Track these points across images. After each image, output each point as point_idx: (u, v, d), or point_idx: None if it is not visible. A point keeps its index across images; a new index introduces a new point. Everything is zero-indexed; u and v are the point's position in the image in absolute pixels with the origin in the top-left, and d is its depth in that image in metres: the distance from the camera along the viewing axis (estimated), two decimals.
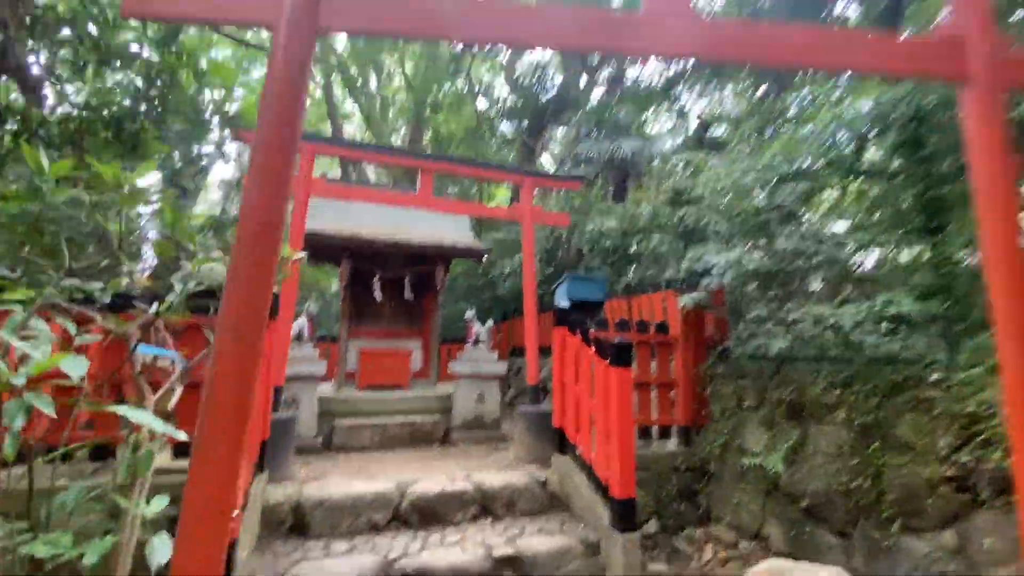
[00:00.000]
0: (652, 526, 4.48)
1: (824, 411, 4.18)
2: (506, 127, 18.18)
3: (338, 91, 19.51)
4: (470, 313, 7.13)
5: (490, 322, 7.14)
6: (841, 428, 4.05)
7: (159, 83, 7.21)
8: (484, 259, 14.16)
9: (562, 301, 4.93)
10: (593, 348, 4.12)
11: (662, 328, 5.34)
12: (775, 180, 4.59)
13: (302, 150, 4.97)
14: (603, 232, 8.29)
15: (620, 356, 3.71)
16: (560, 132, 17.73)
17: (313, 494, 3.84)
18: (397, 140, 21.11)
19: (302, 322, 6.12)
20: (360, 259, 7.04)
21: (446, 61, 17.21)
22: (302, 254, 3.16)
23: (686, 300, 4.50)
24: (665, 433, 5.23)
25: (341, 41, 19.42)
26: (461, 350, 7.07)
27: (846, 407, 4.06)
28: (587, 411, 4.20)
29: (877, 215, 5.13)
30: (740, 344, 4.73)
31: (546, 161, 17.96)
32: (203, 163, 13.89)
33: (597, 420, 4.01)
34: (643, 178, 10.89)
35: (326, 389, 6.99)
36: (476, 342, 6.98)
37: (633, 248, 8.08)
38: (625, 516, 3.57)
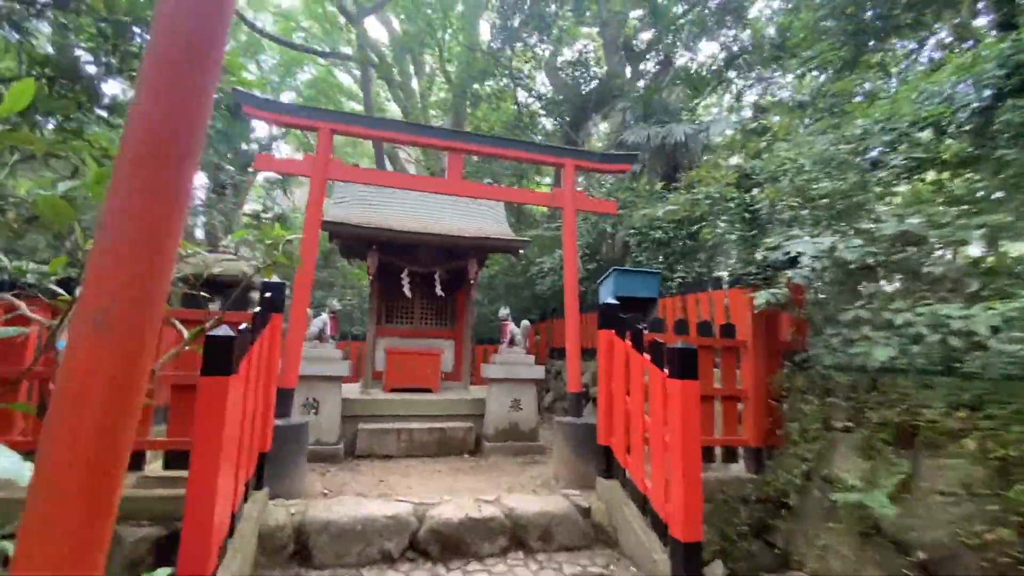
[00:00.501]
0: (718, 569, 3.72)
1: (945, 438, 3.32)
2: (546, 121, 17.52)
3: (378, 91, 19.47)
4: (504, 311, 6.53)
5: (526, 322, 6.51)
6: (971, 461, 3.18)
7: None
8: (521, 253, 13.62)
9: (607, 298, 4.25)
10: (648, 355, 3.42)
11: (728, 331, 4.55)
12: (875, 150, 3.73)
13: (317, 129, 4.51)
14: (653, 223, 7.48)
15: (685, 365, 3.00)
16: (603, 126, 16.89)
17: (319, 516, 3.33)
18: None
19: (324, 319, 5.70)
20: (388, 252, 6.58)
21: (485, 55, 16.75)
22: (291, 237, 2.64)
23: (762, 298, 3.71)
24: (731, 455, 4.45)
25: (381, 34, 19.42)
26: (495, 352, 6.48)
27: (978, 435, 3.19)
28: (640, 430, 3.50)
29: None
30: (828, 352, 3.89)
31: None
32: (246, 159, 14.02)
33: (653, 441, 3.31)
34: (696, 165, 9.96)
35: (353, 390, 6.57)
36: (511, 343, 6.37)
37: (686, 241, 7.25)
38: (689, 563, 2.87)
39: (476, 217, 7.47)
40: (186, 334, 2.25)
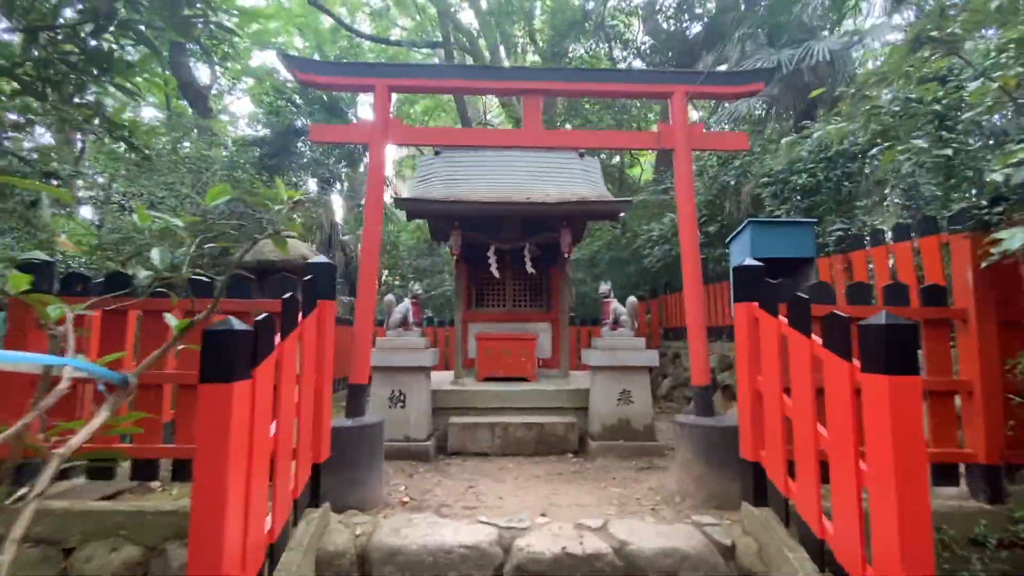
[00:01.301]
0: None
1: None
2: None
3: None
4: (605, 287, 5.55)
5: (632, 298, 5.47)
6: None
7: None
8: (622, 219, 12.30)
9: (743, 259, 3.11)
10: (822, 339, 2.29)
11: (933, 296, 3.14)
12: None
13: (375, 87, 3.91)
14: (795, 164, 5.90)
15: (895, 352, 1.86)
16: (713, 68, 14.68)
17: (385, 541, 2.76)
18: None
19: (406, 305, 5.23)
20: (471, 228, 5.93)
21: (575, 12, 15.39)
22: (298, 197, 2.01)
23: (1017, 240, 2.32)
24: (946, 475, 3.09)
25: (469, 16, 18.86)
26: (598, 336, 5.56)
27: None
28: (812, 444, 2.39)
29: None
30: None
31: (694, 113, 15.05)
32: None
33: (836, 465, 2.20)
34: (847, 94, 7.89)
35: (443, 380, 6.10)
36: (615, 324, 5.39)
37: (843, 184, 5.58)
38: None
39: (568, 183, 6.51)
40: (174, 328, 1.71)
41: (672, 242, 8.37)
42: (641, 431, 5.04)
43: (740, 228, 3.92)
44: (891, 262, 4.17)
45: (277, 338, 2.27)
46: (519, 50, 18.54)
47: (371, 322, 3.77)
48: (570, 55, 16.24)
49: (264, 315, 2.14)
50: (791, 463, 2.61)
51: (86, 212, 11.78)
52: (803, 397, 2.46)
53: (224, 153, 10.71)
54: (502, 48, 18.28)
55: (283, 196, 1.99)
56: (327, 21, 18.06)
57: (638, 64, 15.47)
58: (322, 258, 2.93)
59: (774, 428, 2.74)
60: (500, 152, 7.50)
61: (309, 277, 2.77)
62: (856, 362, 2.12)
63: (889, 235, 4.27)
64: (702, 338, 3.92)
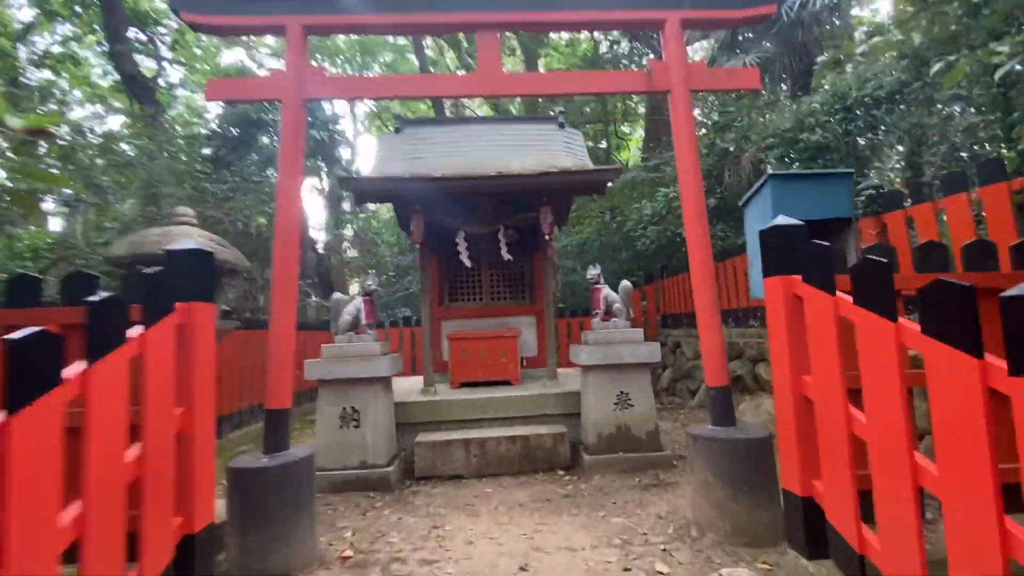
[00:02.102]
0: None
1: None
2: (627, 47, 14.82)
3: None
4: (594, 271, 4.72)
5: (626, 283, 4.65)
6: None
7: None
8: (613, 202, 11.47)
9: (763, 224, 2.31)
10: (921, 322, 1.48)
11: None
12: None
13: (285, 28, 3.05)
14: (805, 121, 5.10)
15: None
16: (703, 44, 13.79)
17: None
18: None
19: (358, 304, 4.38)
20: (435, 211, 5.08)
21: None
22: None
23: None
24: None
25: None
26: (589, 328, 4.75)
27: None
28: (907, 477, 1.58)
29: None
30: None
31: None
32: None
33: (955, 508, 1.39)
34: (847, 48, 7.10)
35: (412, 389, 5.27)
36: (607, 314, 4.58)
37: (870, 135, 4.78)
38: None
39: (548, 157, 5.68)
40: None
41: (667, 220, 7.58)
42: (644, 439, 4.24)
43: (757, 186, 3.12)
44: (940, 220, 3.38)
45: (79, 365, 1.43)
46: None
47: (291, 325, 2.92)
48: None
49: (31, 333, 1.29)
50: (865, 498, 1.82)
51: None
52: (888, 408, 1.66)
53: (165, 152, 9.78)
54: None
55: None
56: None
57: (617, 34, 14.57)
58: (191, 243, 2.08)
59: (836, 451, 1.94)
60: (469, 126, 6.65)
61: (155, 272, 1.91)
62: (991, 359, 1.31)
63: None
64: (715, 326, 3.11)
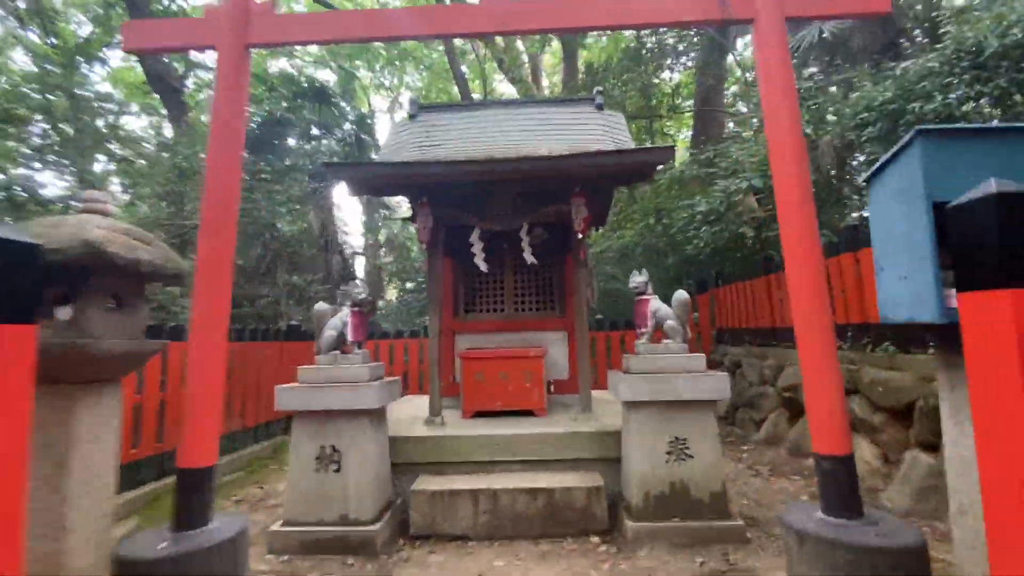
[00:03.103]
0: None
1: None
2: (673, 38, 13.63)
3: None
4: (640, 278, 3.70)
5: (682, 294, 3.62)
6: None
7: None
8: (657, 202, 10.31)
9: (910, 208, 1.32)
10: None
11: None
12: None
13: None
14: (918, 86, 3.92)
15: None
16: None
17: None
18: (549, 89, 18.30)
19: (344, 317, 3.56)
20: (446, 204, 4.22)
21: None
22: None
23: None
24: None
25: None
26: (632, 350, 3.74)
27: None
28: None
29: None
30: None
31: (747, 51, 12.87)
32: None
33: None
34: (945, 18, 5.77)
35: (414, 416, 4.41)
36: (657, 333, 3.56)
37: None
38: None
39: (583, 142, 4.73)
40: None
41: (725, 219, 6.43)
42: (706, 503, 3.19)
43: (895, 150, 2.07)
44: None
45: None
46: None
47: (216, 348, 2.10)
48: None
49: None
50: None
51: None
52: None
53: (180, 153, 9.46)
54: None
55: None
56: None
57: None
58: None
59: None
60: (493, 110, 5.77)
61: None
62: None
63: None
64: (826, 359, 2.06)
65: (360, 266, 13.36)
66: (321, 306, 3.59)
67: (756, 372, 6.15)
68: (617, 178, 4.15)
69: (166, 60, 10.91)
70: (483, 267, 4.46)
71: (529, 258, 4.54)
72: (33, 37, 12.53)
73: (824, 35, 6.66)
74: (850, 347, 4.51)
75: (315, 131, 12.88)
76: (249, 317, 10.14)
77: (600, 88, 5.59)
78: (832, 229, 4.99)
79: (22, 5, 11.97)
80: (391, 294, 17.27)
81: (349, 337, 3.50)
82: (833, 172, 5.67)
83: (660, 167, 4.16)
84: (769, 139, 2.28)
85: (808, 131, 5.61)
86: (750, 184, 5.74)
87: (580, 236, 4.10)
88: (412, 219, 4.41)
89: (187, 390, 2.06)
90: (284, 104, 11.30)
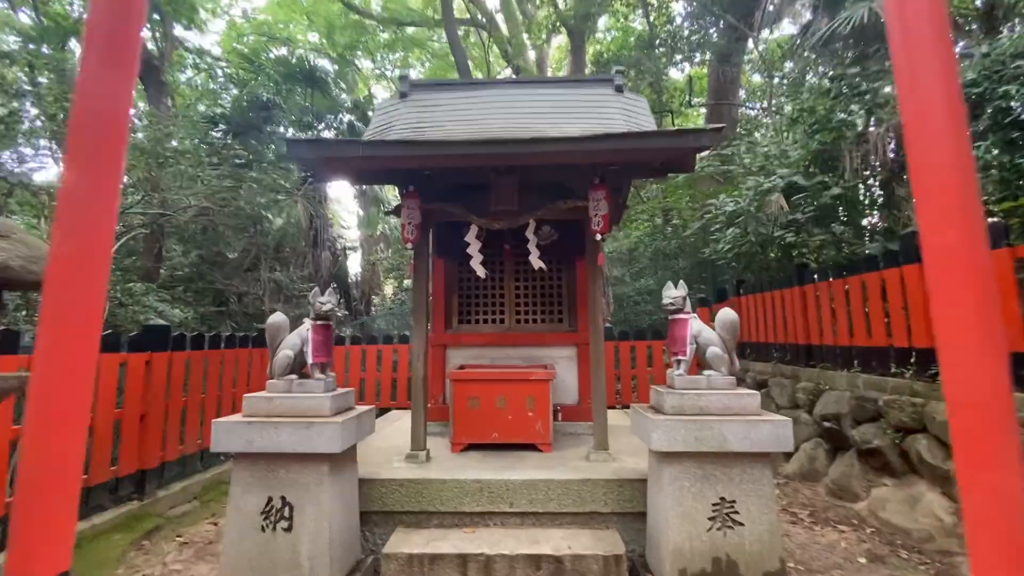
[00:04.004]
0: None
1: None
2: (687, 28, 12.87)
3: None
4: (676, 293, 2.95)
5: (729, 313, 2.90)
6: None
7: None
8: (666, 204, 9.55)
9: None
10: None
11: None
12: None
13: None
14: (1011, 65, 3.22)
15: None
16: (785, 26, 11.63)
17: None
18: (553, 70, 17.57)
19: (303, 334, 2.84)
20: (437, 195, 3.50)
21: None
22: None
23: None
24: None
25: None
26: (663, 382, 3.02)
27: None
28: None
29: None
30: None
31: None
32: None
33: None
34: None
35: (397, 444, 3.70)
36: (697, 366, 2.84)
37: None
38: None
39: (603, 123, 4.01)
40: None
41: (753, 220, 5.71)
42: None
43: None
44: None
45: None
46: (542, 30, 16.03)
47: (80, 376, 1.37)
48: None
49: None
50: None
51: None
52: None
53: (186, 142, 8.70)
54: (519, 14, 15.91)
55: None
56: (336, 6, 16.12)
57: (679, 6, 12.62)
58: None
59: None
60: (496, 89, 5.04)
61: None
62: None
63: None
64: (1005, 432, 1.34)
65: (355, 262, 12.58)
66: (276, 318, 2.87)
67: (786, 394, 5.46)
68: (649, 167, 3.42)
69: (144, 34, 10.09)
70: (481, 272, 3.74)
71: (536, 262, 3.82)
72: (25, 19, 11.73)
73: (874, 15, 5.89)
74: (913, 376, 3.82)
75: (309, 118, 12.16)
76: (237, 315, 9.44)
77: (621, 68, 4.84)
78: (888, 234, 4.29)
79: None
80: (388, 290, 16.52)
81: (309, 358, 2.78)
82: (885, 165, 4.94)
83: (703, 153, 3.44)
84: (904, 103, 1.57)
85: (859, 123, 4.89)
86: (788, 182, 5.02)
87: (599, 237, 3.38)
88: (396, 212, 3.69)
89: (21, 463, 1.34)
90: (272, 86, 10.56)
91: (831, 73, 5.64)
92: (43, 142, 9.99)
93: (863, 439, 4.13)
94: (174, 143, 8.74)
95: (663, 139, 2.98)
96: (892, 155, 4.52)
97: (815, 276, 4.97)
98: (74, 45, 11.00)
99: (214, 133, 9.45)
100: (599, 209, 3.32)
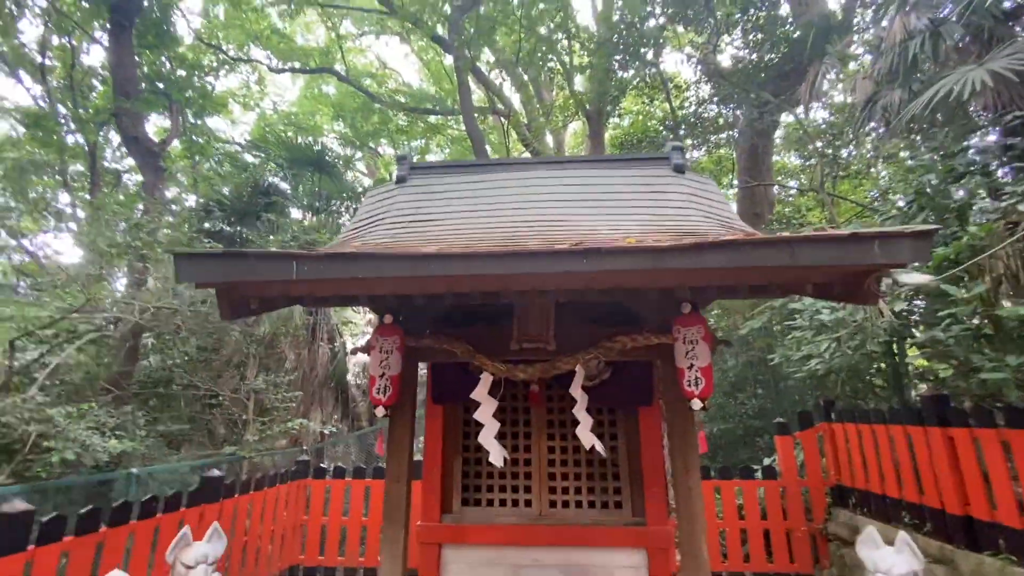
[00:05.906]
0: None
1: None
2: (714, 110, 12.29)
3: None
4: (898, 559, 1.39)
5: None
6: None
7: None
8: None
9: None
10: None
11: None
12: None
13: None
14: None
15: None
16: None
17: None
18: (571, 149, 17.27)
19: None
20: (429, 326, 2.22)
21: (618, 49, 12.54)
22: None
23: None
24: None
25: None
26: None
27: None
28: None
29: None
30: None
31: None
32: None
33: None
34: None
35: None
36: None
37: None
38: None
39: (660, 212, 2.80)
40: None
41: (857, 330, 4.28)
42: None
43: None
44: None
45: None
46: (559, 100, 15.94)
47: None
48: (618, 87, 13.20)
49: None
50: None
51: None
52: None
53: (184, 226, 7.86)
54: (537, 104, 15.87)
55: None
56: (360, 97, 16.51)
57: (706, 91, 12.11)
58: None
59: None
60: (517, 171, 3.92)
61: None
62: None
63: None
64: None
65: (355, 364, 11.16)
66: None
67: None
68: (781, 287, 2.10)
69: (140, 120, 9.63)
70: (497, 459, 2.33)
71: (585, 419, 2.41)
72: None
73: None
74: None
75: (319, 203, 11.53)
76: (208, 433, 8.07)
77: (679, 144, 3.71)
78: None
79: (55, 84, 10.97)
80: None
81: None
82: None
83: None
84: None
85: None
86: (919, 287, 3.66)
87: (697, 405, 1.99)
88: (365, 350, 2.39)
89: None
90: (278, 170, 9.94)
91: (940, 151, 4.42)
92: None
93: None
94: (166, 231, 7.91)
95: (843, 248, 1.63)
96: None
97: (983, 419, 3.44)
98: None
99: (207, 224, 8.64)
100: (695, 355, 1.97)
